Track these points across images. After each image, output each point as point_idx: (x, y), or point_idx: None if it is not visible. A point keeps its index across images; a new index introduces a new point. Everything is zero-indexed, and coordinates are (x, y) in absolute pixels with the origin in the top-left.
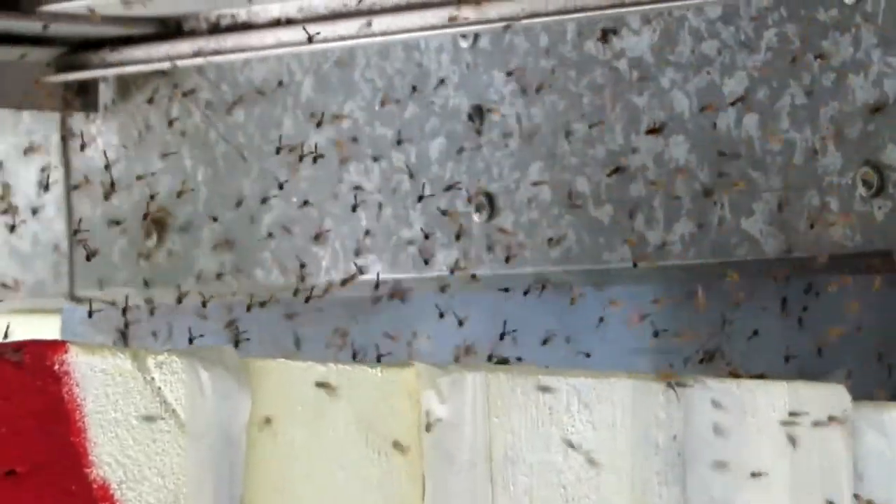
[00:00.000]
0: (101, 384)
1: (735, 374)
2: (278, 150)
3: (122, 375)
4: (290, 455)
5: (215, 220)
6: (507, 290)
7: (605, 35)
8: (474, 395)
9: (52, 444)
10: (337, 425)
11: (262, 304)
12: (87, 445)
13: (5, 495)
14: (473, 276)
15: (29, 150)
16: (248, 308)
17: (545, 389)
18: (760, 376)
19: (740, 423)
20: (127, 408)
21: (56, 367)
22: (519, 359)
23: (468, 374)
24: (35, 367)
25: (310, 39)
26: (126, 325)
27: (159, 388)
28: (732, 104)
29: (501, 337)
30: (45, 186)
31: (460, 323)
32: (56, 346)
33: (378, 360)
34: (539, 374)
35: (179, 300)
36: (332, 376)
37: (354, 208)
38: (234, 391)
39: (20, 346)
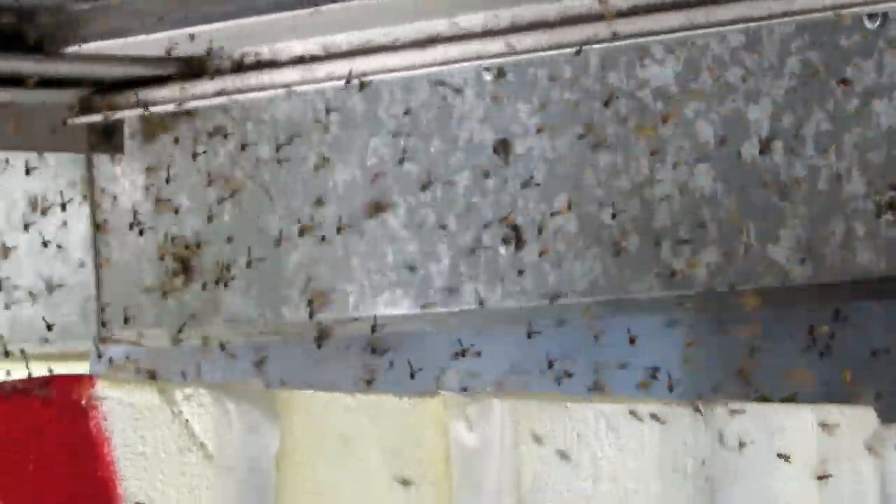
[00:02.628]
0: (129, 418)
1: (763, 398)
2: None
3: (149, 409)
4: (318, 486)
5: (242, 258)
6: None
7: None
8: (502, 422)
9: (81, 479)
10: (364, 456)
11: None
12: (115, 479)
13: None
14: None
15: (54, 192)
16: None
17: (574, 416)
18: (788, 400)
19: (768, 446)
20: (155, 441)
21: (83, 401)
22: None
23: (496, 402)
24: (63, 402)
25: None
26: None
27: (187, 421)
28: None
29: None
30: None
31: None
32: (83, 380)
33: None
34: (567, 402)
35: (205, 342)
36: (360, 407)
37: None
38: (262, 423)
39: (48, 382)
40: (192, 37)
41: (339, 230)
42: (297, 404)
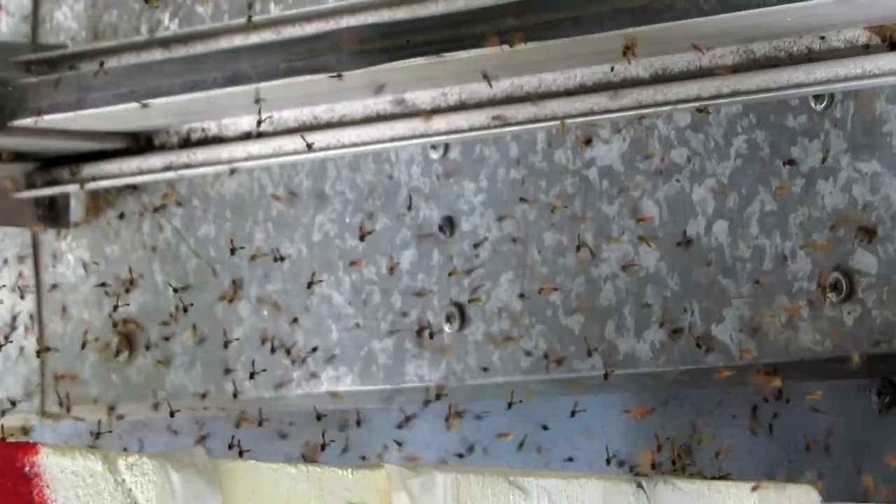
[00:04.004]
0: (72, 486)
1: (705, 477)
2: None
3: (92, 477)
4: None
5: (186, 333)
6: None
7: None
8: (445, 496)
9: None
10: None
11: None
12: None
13: None
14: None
15: None
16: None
17: (516, 490)
18: (727, 478)
19: None
20: None
21: (26, 468)
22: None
23: (438, 475)
24: (5, 468)
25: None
26: (97, 435)
27: (130, 490)
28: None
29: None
30: (21, 295)
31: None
32: (26, 447)
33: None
34: (509, 475)
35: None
36: (303, 478)
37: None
38: (205, 492)
39: None
40: (138, 112)
41: (281, 308)
42: (240, 474)
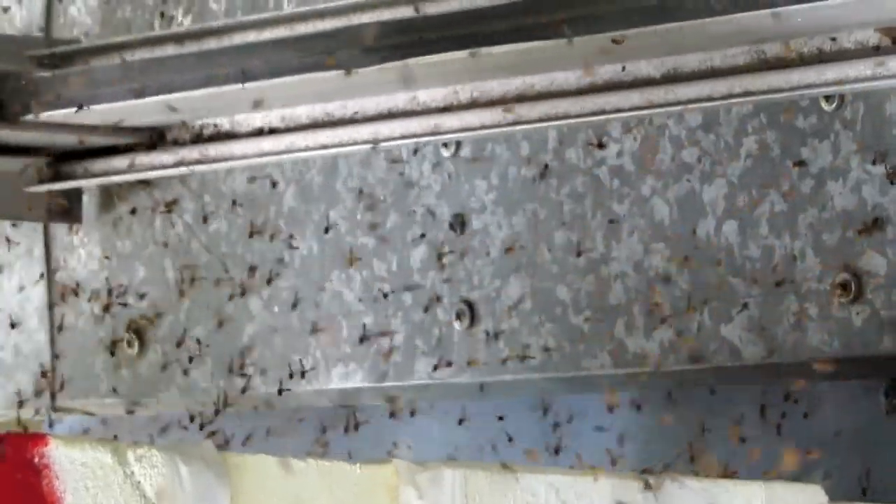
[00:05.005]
0: (81, 477)
1: (712, 476)
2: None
3: (101, 468)
4: None
5: (197, 328)
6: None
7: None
8: (453, 491)
9: None
10: None
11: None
12: None
13: None
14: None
15: (11, 259)
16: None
17: (524, 487)
18: (735, 476)
19: None
20: (107, 501)
21: (36, 459)
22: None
23: (447, 471)
24: (15, 459)
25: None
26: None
27: (139, 482)
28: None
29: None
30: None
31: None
32: (36, 438)
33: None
34: (518, 472)
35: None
36: (311, 472)
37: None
38: (213, 486)
39: (0, 440)
40: (151, 107)
41: (294, 305)
42: (249, 467)
